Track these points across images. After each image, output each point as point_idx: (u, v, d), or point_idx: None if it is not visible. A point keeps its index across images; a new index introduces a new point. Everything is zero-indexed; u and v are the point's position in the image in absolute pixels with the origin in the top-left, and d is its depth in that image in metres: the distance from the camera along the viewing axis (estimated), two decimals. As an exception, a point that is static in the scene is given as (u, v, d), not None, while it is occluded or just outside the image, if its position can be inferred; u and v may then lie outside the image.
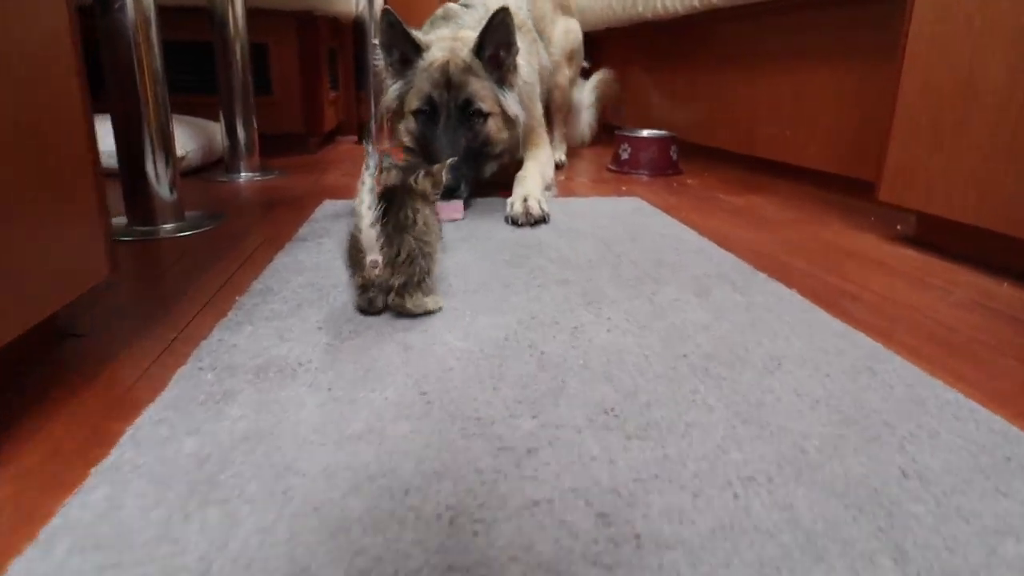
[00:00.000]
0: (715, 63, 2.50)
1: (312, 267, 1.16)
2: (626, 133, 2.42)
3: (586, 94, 2.83)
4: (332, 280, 1.08)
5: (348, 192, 1.90)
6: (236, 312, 0.95)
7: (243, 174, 2.21)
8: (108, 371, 0.81)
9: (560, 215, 1.59)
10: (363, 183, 0.86)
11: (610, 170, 2.43)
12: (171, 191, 1.49)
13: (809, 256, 1.30)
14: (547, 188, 1.80)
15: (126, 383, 0.78)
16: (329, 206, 1.71)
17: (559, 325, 0.91)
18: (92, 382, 0.78)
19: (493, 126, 1.68)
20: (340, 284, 1.06)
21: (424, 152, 1.67)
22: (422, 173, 1.02)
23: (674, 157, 2.38)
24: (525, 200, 1.50)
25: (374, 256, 0.88)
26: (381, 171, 1.04)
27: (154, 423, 0.68)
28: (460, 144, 1.61)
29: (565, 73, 2.47)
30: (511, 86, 1.69)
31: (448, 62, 1.61)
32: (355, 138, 3.45)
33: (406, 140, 1.74)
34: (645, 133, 2.50)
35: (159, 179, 1.47)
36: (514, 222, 1.48)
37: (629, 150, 2.36)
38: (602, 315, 0.95)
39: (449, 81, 1.60)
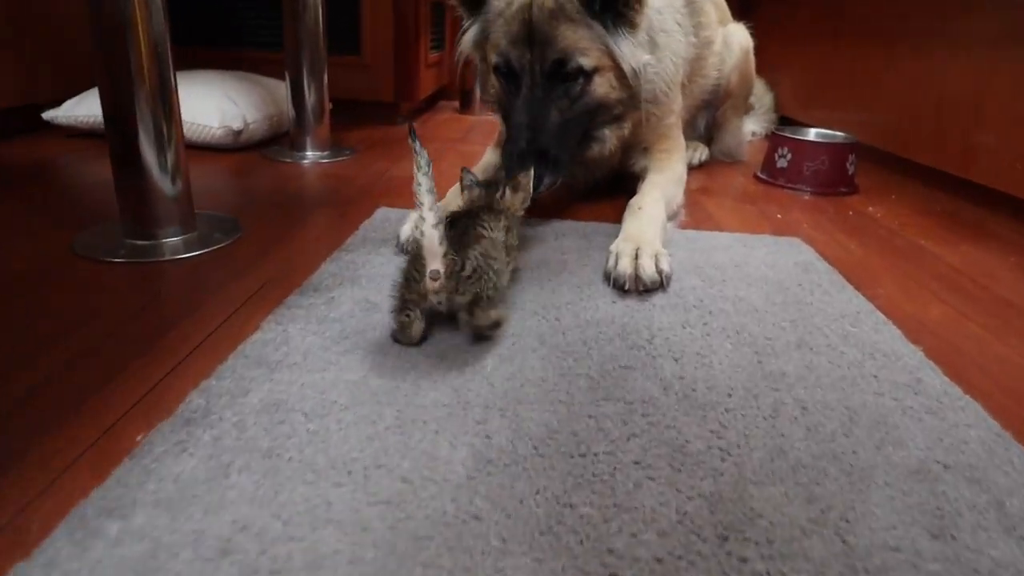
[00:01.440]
0: (918, 40, 1.84)
1: (295, 361, 0.77)
2: (787, 133, 1.85)
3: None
4: (307, 404, 0.68)
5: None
6: (126, 466, 0.58)
7: (309, 153, 1.87)
8: None
9: (686, 271, 1.11)
10: (419, 184, 0.74)
11: (759, 179, 1.87)
12: (174, 183, 1.14)
13: None
14: (670, 218, 1.31)
15: None
16: (381, 217, 1.31)
17: (663, 618, 0.47)
18: None
19: (601, 86, 1.22)
20: (314, 413, 0.66)
21: (506, 123, 1.28)
22: (508, 188, 0.99)
23: (851, 170, 1.78)
24: (636, 254, 1.03)
25: (436, 266, 0.76)
26: (463, 189, 1.02)
27: None
28: (548, 120, 1.18)
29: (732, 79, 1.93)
30: (632, 26, 1.20)
31: (530, 4, 1.15)
32: (457, 104, 3.05)
33: (493, 98, 1.33)
34: (812, 134, 1.91)
35: (158, 170, 1.12)
36: (616, 285, 1.01)
37: (789, 156, 1.79)
38: (751, 590, 0.49)
39: (531, 34, 1.15)
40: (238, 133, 1.82)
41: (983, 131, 1.59)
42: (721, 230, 1.39)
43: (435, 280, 0.75)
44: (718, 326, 0.92)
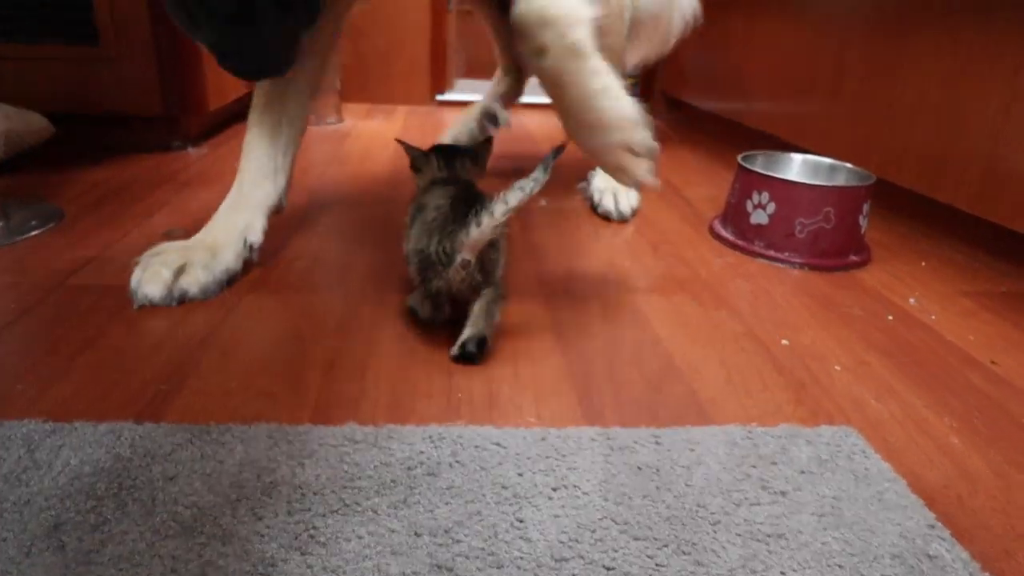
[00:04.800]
0: (965, 30, 1.20)
1: None
2: (758, 168, 1.17)
3: None
4: None
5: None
6: None
7: (-57, 236, 1.03)
8: None
9: None
10: (521, 190, 0.70)
11: (719, 238, 1.20)
12: None
13: None
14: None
15: None
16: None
17: None
18: None
19: None
20: None
21: None
22: (467, 159, 0.88)
23: (863, 226, 1.14)
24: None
25: (469, 256, 0.71)
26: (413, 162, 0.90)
27: None
28: None
29: None
30: None
31: None
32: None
33: None
34: (797, 167, 1.25)
35: None
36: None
37: (772, 208, 1.12)
38: None
39: None
40: None
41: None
42: (701, 410, 0.70)
43: (464, 268, 0.71)
44: None
